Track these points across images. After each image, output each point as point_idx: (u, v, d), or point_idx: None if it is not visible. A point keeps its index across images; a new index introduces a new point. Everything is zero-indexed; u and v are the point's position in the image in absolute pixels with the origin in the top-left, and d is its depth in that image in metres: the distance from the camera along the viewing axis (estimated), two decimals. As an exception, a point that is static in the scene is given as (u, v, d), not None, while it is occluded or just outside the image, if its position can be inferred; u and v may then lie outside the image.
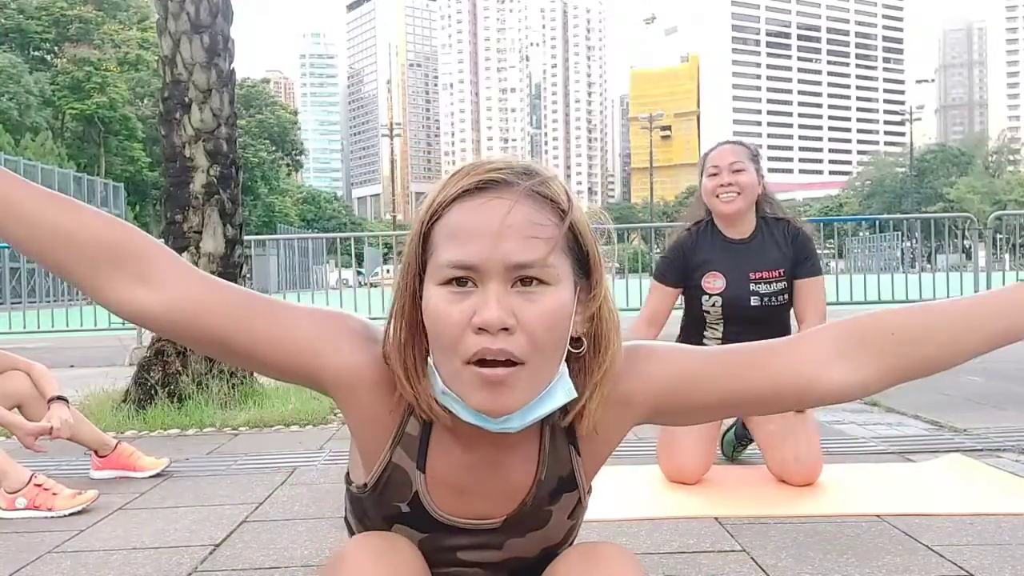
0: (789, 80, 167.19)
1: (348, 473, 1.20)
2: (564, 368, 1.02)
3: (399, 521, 1.12)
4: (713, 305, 3.06)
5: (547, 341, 0.96)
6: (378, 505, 1.12)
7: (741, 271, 3.02)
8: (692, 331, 3.15)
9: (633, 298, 10.85)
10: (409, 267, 1.02)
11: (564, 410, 1.06)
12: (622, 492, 2.96)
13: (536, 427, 1.07)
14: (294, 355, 1.06)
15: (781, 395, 1.10)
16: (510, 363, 0.95)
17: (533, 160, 1.04)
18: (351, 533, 1.22)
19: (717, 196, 3.01)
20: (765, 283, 3.02)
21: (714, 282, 3.05)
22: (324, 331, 1.07)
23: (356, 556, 1.06)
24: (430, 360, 1.03)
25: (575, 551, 1.15)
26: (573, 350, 1.03)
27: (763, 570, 2.15)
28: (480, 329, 0.94)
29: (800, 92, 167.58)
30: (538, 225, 0.96)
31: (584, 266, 1.02)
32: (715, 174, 3.02)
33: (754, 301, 3.03)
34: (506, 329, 0.93)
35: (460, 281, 0.96)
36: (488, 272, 0.94)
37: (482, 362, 0.95)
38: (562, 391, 1.02)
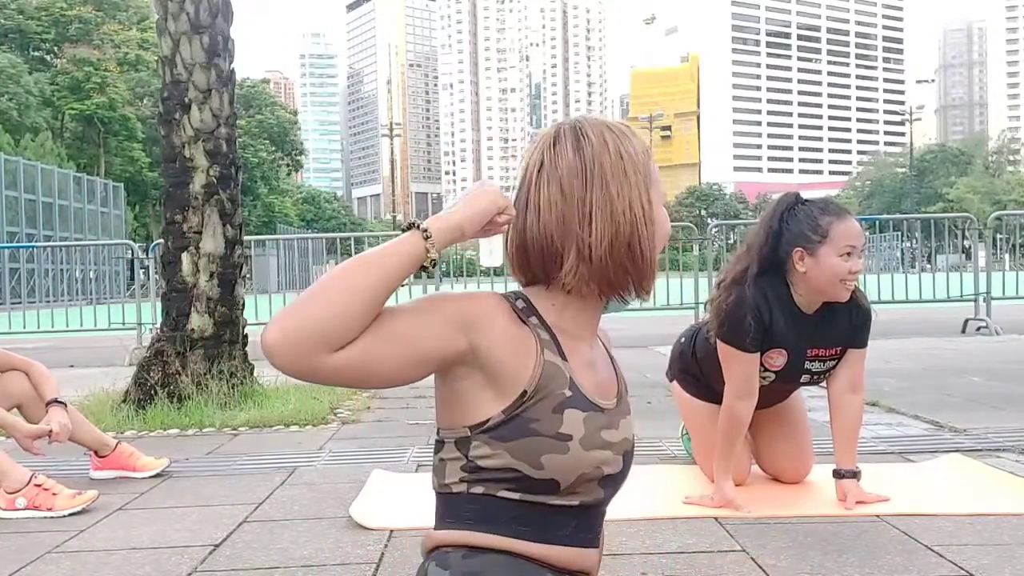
0: (789, 80, 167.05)
1: (454, 434, 1.26)
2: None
3: (568, 406, 1.25)
4: (763, 379, 2.76)
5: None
6: (545, 400, 1.24)
7: (802, 348, 2.73)
8: (712, 379, 2.89)
9: (633, 298, 10.84)
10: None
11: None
12: (622, 492, 2.96)
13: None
14: (450, 347, 1.20)
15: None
16: None
17: None
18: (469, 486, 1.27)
19: (843, 282, 2.62)
20: (820, 361, 2.77)
21: (776, 359, 2.74)
22: (444, 317, 1.20)
23: None
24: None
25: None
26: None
27: (763, 570, 2.15)
28: None
29: (800, 92, 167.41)
30: None
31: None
32: (850, 254, 2.60)
33: (804, 379, 2.81)
34: None
35: None
36: None
37: None
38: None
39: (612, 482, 1.33)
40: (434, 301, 1.21)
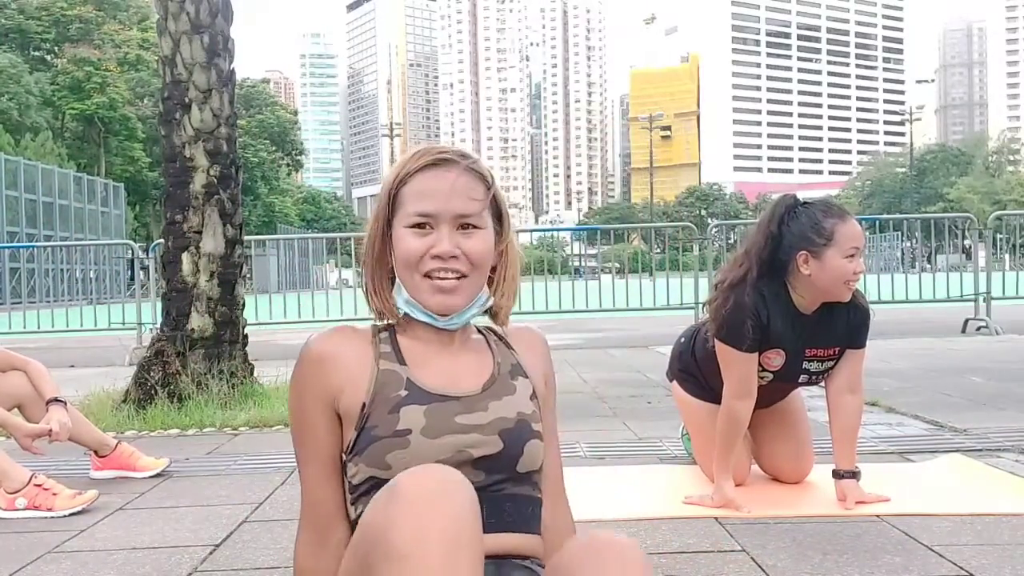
0: (789, 80, 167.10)
1: (344, 466, 1.41)
2: (486, 288, 1.45)
3: (403, 404, 1.35)
4: (761, 379, 2.77)
5: (479, 263, 1.40)
6: (380, 405, 1.36)
7: (800, 348, 2.74)
8: (711, 379, 2.89)
9: (633, 298, 10.87)
10: (379, 217, 1.43)
11: (489, 315, 1.49)
12: (623, 492, 2.96)
13: (481, 338, 1.50)
14: (329, 430, 1.41)
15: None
16: (458, 277, 1.38)
17: (464, 149, 1.47)
18: (357, 495, 1.38)
19: (847, 283, 2.63)
20: (818, 361, 2.77)
21: (774, 360, 2.75)
22: (314, 402, 1.40)
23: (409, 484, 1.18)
24: (397, 286, 1.44)
25: (581, 543, 1.25)
26: (491, 274, 1.46)
27: (763, 570, 2.15)
28: (435, 256, 1.37)
29: (800, 92, 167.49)
30: (474, 190, 1.40)
31: (499, 220, 1.45)
32: (854, 255, 2.61)
33: (802, 379, 2.81)
34: (454, 257, 1.37)
35: (421, 225, 1.38)
36: (442, 219, 1.38)
37: (436, 277, 1.38)
38: (484, 296, 1.45)
39: (494, 463, 1.35)
40: (293, 401, 1.43)
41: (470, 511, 1.14)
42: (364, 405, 1.36)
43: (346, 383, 1.38)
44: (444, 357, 1.43)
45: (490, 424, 1.37)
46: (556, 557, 1.26)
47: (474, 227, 1.38)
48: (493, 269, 1.45)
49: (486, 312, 1.48)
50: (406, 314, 1.43)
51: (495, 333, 1.51)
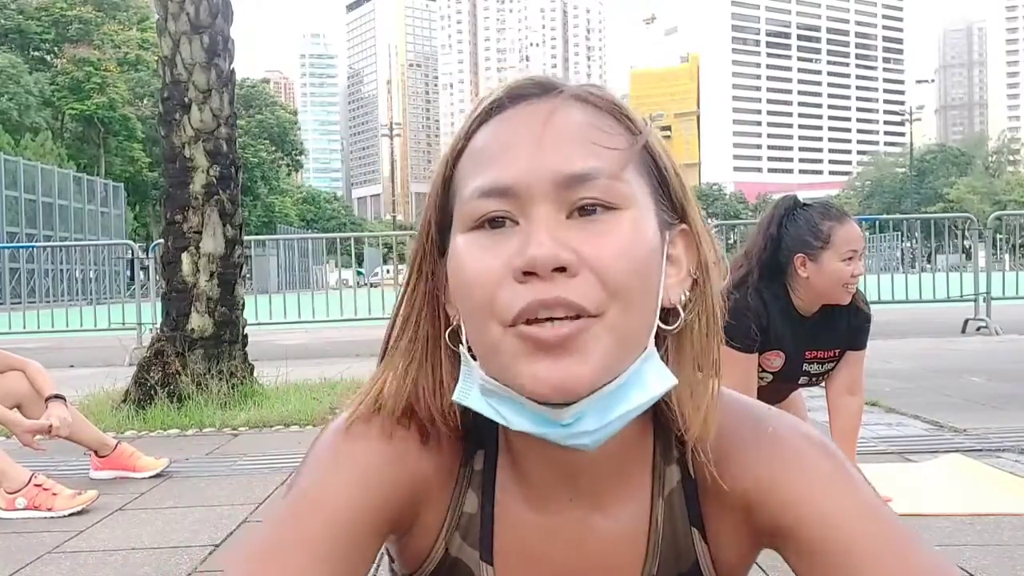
0: (789, 80, 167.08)
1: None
2: (654, 348, 0.69)
3: None
4: (761, 379, 2.74)
5: (628, 285, 0.65)
6: None
7: (800, 350, 2.72)
8: None
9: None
10: (426, 227, 0.74)
11: (677, 445, 0.75)
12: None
13: (645, 489, 0.76)
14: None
15: None
16: (574, 316, 0.64)
17: None
18: None
19: (845, 286, 2.61)
20: (818, 363, 2.76)
21: (773, 361, 2.73)
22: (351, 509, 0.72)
23: None
24: (462, 353, 0.72)
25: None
26: (665, 327, 0.71)
27: (763, 570, 2.15)
28: (526, 274, 0.64)
29: (800, 92, 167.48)
30: (598, 130, 0.68)
31: (667, 198, 0.72)
32: (852, 258, 2.58)
33: (802, 380, 2.79)
34: (564, 269, 0.63)
35: (495, 222, 0.67)
36: (532, 194, 0.66)
37: (533, 321, 0.64)
38: (655, 375, 0.68)
39: None
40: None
41: None
42: None
43: (423, 514, 0.78)
44: (558, 524, 0.76)
45: None
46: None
47: (605, 207, 0.67)
48: (672, 317, 0.71)
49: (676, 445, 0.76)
50: (489, 424, 0.72)
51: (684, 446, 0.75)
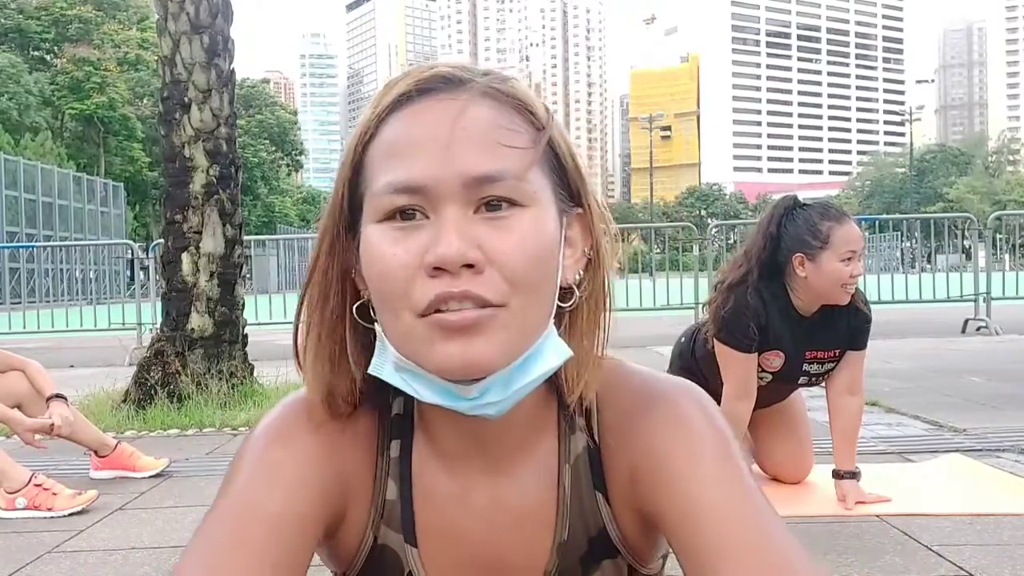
0: (789, 80, 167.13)
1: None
2: (552, 326, 0.75)
3: None
4: (761, 379, 2.75)
5: (530, 278, 0.71)
6: None
7: (799, 350, 2.73)
8: (711, 378, 2.79)
9: (633, 298, 10.85)
10: (335, 211, 0.77)
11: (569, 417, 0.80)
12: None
13: (553, 456, 0.80)
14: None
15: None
16: (481, 306, 0.69)
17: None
18: None
19: (844, 286, 2.61)
20: (818, 363, 2.76)
21: (773, 361, 2.73)
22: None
23: None
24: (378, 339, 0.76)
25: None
26: (562, 304, 0.76)
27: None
28: (436, 269, 0.68)
29: (800, 92, 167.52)
30: (504, 129, 0.72)
31: (566, 190, 0.77)
32: (850, 259, 2.58)
33: (802, 380, 2.81)
34: (471, 266, 0.68)
35: (405, 214, 0.71)
36: (441, 193, 0.70)
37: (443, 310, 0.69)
38: (553, 351, 0.74)
39: None
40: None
41: None
42: None
43: (350, 508, 0.82)
44: (473, 495, 0.81)
45: None
46: None
47: (509, 203, 0.71)
48: (568, 294, 0.77)
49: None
50: (402, 397, 0.80)
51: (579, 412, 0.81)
